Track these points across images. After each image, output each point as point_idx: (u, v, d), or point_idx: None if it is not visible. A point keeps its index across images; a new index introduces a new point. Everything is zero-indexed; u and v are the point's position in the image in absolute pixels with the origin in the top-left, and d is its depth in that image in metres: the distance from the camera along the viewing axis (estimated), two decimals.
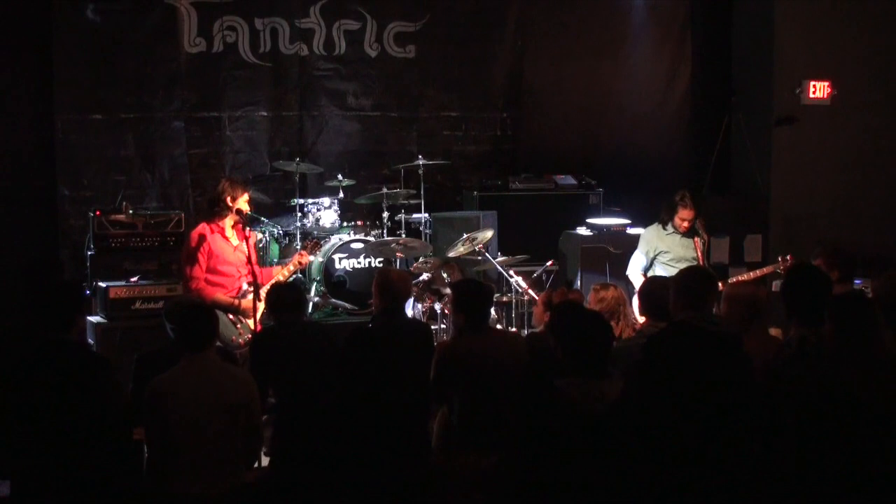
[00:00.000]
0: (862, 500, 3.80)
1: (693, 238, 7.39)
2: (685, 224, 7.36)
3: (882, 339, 4.05)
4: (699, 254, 7.31)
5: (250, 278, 6.50)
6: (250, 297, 6.47)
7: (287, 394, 4.97)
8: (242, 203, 6.62)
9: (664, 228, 7.48)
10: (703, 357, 3.56)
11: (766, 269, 7.49)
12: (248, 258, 6.44)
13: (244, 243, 6.49)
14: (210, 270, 6.48)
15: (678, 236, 7.42)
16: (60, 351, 4.40)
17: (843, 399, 3.82)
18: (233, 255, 6.54)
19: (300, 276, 8.05)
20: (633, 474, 3.67)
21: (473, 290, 5.16)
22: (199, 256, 6.45)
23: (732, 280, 7.23)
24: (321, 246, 7.41)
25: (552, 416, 3.92)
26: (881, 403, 3.82)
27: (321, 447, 5.04)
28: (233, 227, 6.68)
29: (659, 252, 7.41)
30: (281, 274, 6.78)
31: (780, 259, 7.34)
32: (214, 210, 6.62)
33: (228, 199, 6.54)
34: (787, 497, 3.84)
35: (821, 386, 3.88)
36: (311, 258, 7.71)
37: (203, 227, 6.58)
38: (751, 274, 7.47)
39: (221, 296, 6.39)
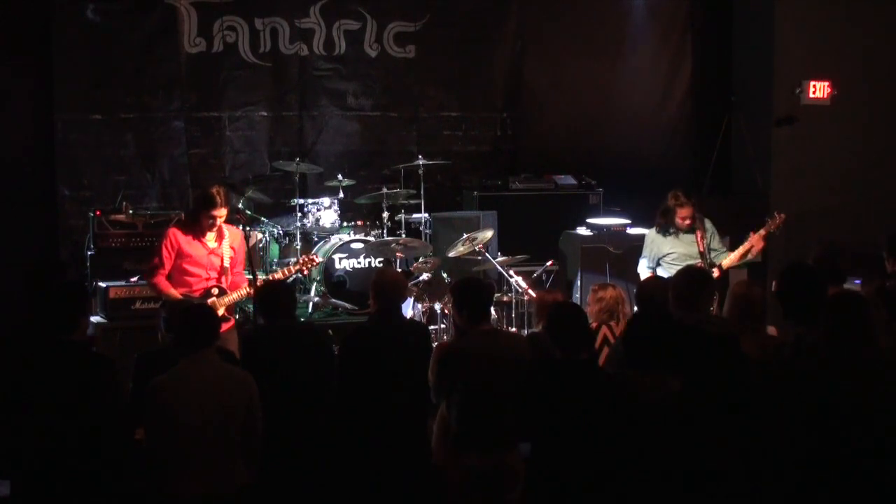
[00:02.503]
0: (859, 500, 3.81)
1: (694, 232, 7.38)
2: (687, 222, 7.36)
3: (878, 339, 4.05)
4: (700, 244, 7.28)
5: (224, 281, 6.46)
6: (210, 300, 6.38)
7: (279, 395, 4.96)
8: (217, 220, 6.42)
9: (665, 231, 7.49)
10: (702, 356, 3.57)
11: (760, 234, 7.42)
12: (222, 262, 6.42)
13: (222, 245, 6.44)
14: (178, 270, 6.45)
15: (679, 234, 7.43)
16: (63, 351, 4.40)
17: (839, 399, 3.82)
18: (205, 258, 6.46)
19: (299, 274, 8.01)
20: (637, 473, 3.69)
21: (473, 286, 5.17)
22: (164, 253, 6.44)
23: (725, 262, 7.30)
24: (315, 263, 7.21)
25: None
26: (877, 404, 3.82)
27: (318, 448, 5.06)
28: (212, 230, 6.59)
29: (664, 254, 7.40)
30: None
31: (768, 220, 7.36)
32: (192, 221, 6.58)
33: (198, 213, 6.50)
34: (785, 496, 3.85)
35: (816, 386, 3.88)
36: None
37: (176, 230, 6.56)
38: (740, 250, 7.47)
39: (172, 291, 6.37)
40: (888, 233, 6.40)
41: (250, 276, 6.50)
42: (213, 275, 6.48)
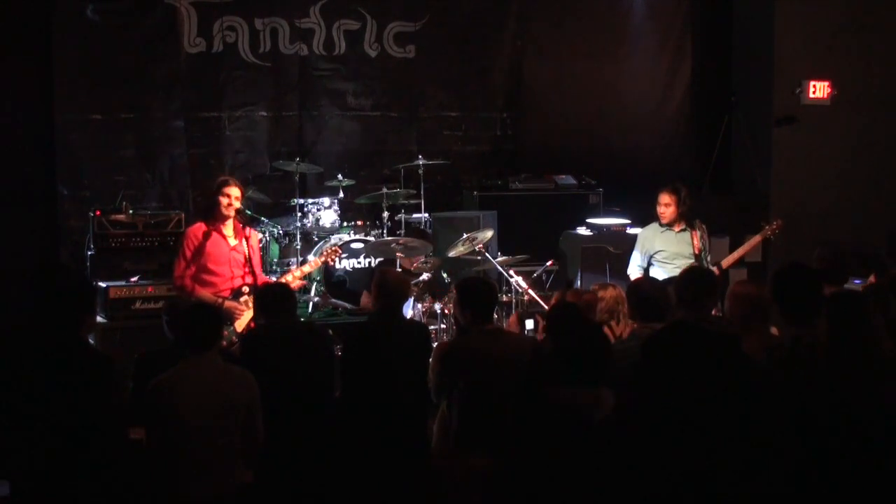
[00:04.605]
0: (858, 501, 3.80)
1: (690, 232, 7.40)
2: (666, 211, 7.40)
3: (878, 338, 4.04)
4: (696, 245, 7.31)
5: (249, 280, 6.46)
6: (242, 298, 6.43)
7: (279, 395, 4.96)
8: (232, 198, 6.48)
9: (660, 226, 7.52)
10: (702, 356, 3.57)
11: (756, 239, 7.56)
12: (247, 260, 6.40)
13: (243, 243, 6.45)
14: (201, 269, 6.44)
15: (673, 233, 7.46)
16: (64, 350, 4.39)
17: (837, 399, 3.82)
18: (226, 256, 6.48)
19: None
20: (631, 477, 3.66)
21: (479, 285, 5.17)
22: (187, 253, 6.42)
23: (724, 261, 7.44)
24: (339, 253, 7.32)
25: (548, 423, 3.89)
26: (876, 404, 3.81)
27: (318, 447, 5.06)
28: (234, 227, 6.62)
29: (656, 251, 7.45)
30: (292, 275, 6.76)
31: (765, 227, 7.53)
32: (209, 210, 6.60)
33: (213, 197, 6.51)
34: (784, 497, 3.84)
35: (814, 386, 3.87)
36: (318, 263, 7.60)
37: (199, 226, 6.55)
38: (740, 251, 7.57)
39: (206, 294, 6.35)
40: (888, 233, 6.42)
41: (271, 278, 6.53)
42: (238, 272, 6.46)
